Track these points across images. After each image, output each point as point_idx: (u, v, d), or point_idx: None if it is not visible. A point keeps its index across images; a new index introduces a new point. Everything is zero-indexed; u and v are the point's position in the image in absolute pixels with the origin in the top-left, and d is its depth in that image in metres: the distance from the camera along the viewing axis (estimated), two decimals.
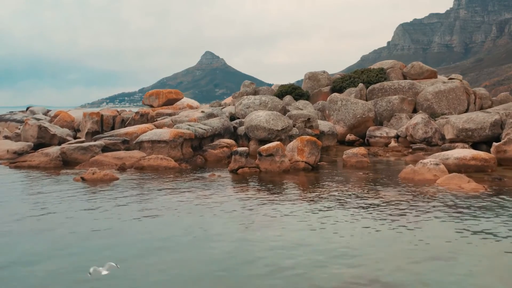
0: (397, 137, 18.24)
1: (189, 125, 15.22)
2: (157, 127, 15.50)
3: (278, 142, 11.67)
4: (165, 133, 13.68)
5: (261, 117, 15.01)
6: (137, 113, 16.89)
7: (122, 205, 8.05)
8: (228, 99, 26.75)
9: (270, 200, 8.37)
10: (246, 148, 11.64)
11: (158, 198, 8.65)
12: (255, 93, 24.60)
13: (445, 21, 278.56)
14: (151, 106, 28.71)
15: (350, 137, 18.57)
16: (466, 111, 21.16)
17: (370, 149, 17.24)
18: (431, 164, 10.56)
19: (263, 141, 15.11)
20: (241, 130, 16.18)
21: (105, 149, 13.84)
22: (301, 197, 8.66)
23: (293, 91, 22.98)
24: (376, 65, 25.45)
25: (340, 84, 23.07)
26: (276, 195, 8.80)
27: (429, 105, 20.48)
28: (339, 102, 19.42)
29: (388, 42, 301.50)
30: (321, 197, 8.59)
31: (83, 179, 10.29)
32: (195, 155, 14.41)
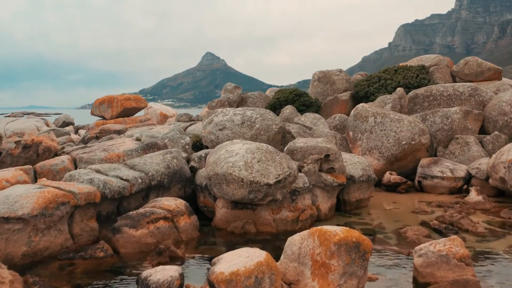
0: (468, 177, 11.02)
1: (98, 171, 7.85)
2: (40, 174, 8.11)
3: (263, 259, 4.27)
4: (25, 198, 6.32)
5: (237, 155, 7.64)
6: (17, 143, 9.35)
7: None
8: (204, 111, 19.17)
9: None
10: (172, 275, 4.25)
11: None
12: (242, 101, 17.27)
13: (447, 22, 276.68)
14: (103, 117, 21.40)
15: (391, 176, 11.25)
16: None
17: (427, 200, 10.06)
18: None
19: (240, 204, 7.80)
20: (202, 175, 8.81)
21: None
22: None
23: (297, 99, 15.60)
24: (412, 61, 18.10)
25: (365, 88, 15.68)
26: None
27: (507, 122, 13.20)
28: (371, 119, 12.08)
29: (389, 43, 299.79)
30: None
31: None
32: (102, 237, 7.09)
